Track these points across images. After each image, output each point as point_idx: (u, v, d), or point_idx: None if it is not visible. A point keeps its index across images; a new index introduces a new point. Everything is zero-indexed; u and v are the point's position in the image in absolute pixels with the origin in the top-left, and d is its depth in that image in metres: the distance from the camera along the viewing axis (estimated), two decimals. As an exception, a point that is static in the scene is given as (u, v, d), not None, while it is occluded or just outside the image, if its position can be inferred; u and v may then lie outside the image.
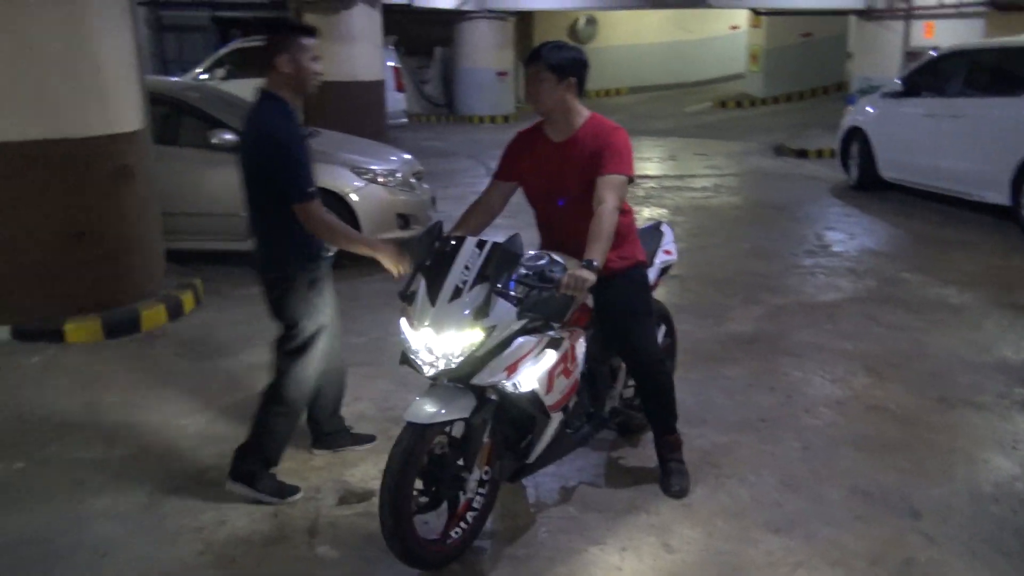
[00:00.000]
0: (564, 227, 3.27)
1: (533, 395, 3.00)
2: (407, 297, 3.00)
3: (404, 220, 6.84)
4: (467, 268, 2.87)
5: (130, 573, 3.03)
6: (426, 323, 2.85)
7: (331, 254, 3.49)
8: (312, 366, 3.43)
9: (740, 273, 6.72)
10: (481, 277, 2.85)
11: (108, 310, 5.34)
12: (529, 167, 3.32)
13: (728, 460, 3.78)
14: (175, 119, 6.83)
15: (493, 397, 2.97)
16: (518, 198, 3.45)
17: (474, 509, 3.08)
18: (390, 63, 14.10)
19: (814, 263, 7.04)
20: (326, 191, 6.55)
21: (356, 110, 11.95)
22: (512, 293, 2.86)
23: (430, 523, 3.04)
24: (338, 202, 6.54)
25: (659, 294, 4.08)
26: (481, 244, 2.92)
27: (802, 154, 13.16)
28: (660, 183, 10.77)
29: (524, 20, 21.86)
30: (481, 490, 3.09)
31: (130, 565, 3.06)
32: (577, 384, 3.24)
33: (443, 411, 2.83)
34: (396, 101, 14.83)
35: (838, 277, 6.62)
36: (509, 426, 3.11)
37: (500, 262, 2.83)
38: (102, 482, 3.60)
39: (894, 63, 14.10)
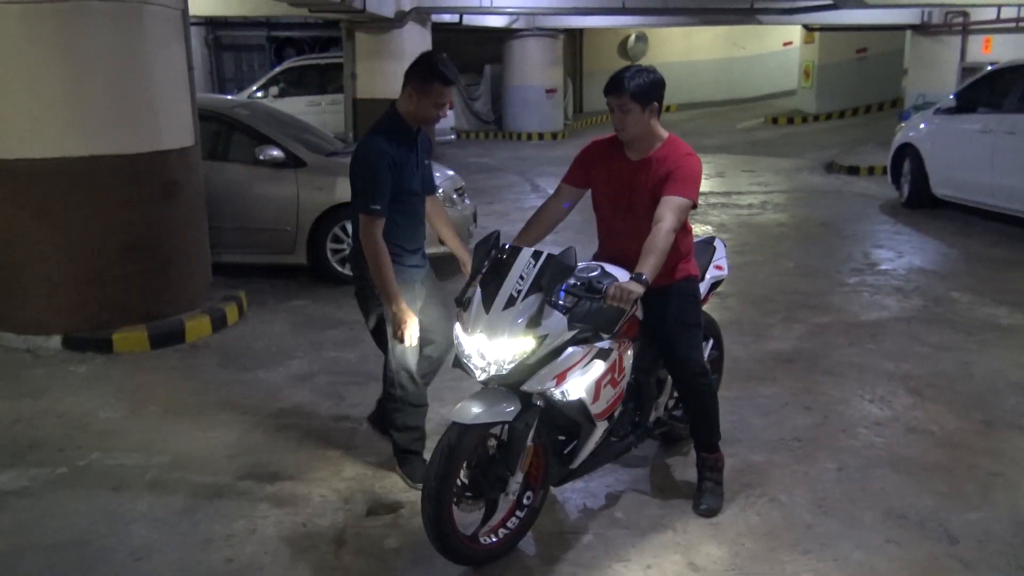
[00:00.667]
0: (626, 240, 3.32)
1: (580, 403, 3.08)
2: (462, 303, 3.09)
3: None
4: (522, 278, 2.96)
5: (162, 577, 3.11)
6: (480, 329, 2.94)
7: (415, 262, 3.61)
8: (398, 360, 3.56)
9: (782, 291, 6.63)
10: (535, 287, 2.93)
11: (154, 321, 5.49)
12: (602, 177, 3.41)
13: (760, 480, 3.73)
14: (225, 135, 7.02)
15: (539, 403, 3.04)
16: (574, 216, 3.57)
17: (516, 517, 3.16)
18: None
19: (859, 281, 6.91)
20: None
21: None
22: (561, 302, 2.95)
23: (468, 518, 3.11)
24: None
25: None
26: (537, 255, 3.01)
27: (853, 171, 12.94)
28: (706, 200, 10.67)
29: (573, 37, 21.96)
30: (519, 512, 3.16)
31: (163, 569, 3.14)
32: (623, 394, 3.31)
33: (486, 413, 2.92)
34: (445, 118, 14.98)
35: (884, 296, 6.49)
36: (554, 432, 3.19)
37: (554, 273, 2.91)
38: (140, 488, 3.70)
39: (950, 79, 13.81)
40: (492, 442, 3.09)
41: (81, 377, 4.99)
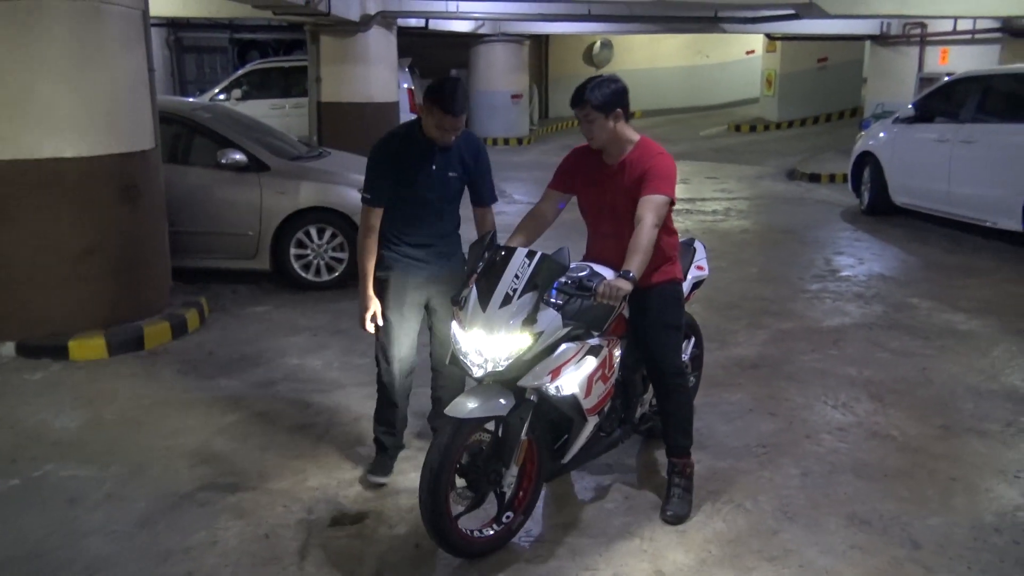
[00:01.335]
0: (612, 242, 3.44)
1: (573, 399, 3.16)
2: (458, 302, 3.19)
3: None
4: (517, 277, 3.05)
5: (119, 591, 3.03)
6: (477, 326, 3.03)
7: (389, 268, 3.64)
8: (383, 363, 3.71)
9: (746, 297, 6.69)
10: (530, 286, 3.03)
11: (113, 327, 5.38)
12: (584, 183, 3.54)
13: (726, 486, 3.74)
14: (186, 138, 6.91)
15: (532, 398, 3.12)
16: (566, 216, 3.62)
17: (509, 516, 3.22)
18: (405, 85, 14.21)
19: (821, 288, 6.99)
20: (331, 210, 6.62)
21: (370, 131, 12.02)
22: (553, 300, 3.09)
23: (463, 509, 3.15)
24: (343, 221, 6.59)
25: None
26: (531, 255, 3.11)
27: (815, 178, 13.11)
28: (671, 206, 10.70)
29: (539, 43, 22.01)
30: (513, 510, 3.24)
31: (119, 583, 3.06)
32: (613, 390, 3.40)
33: (481, 408, 3.01)
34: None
35: (845, 302, 6.57)
36: (547, 427, 3.26)
37: (548, 272, 3.03)
38: (96, 500, 3.61)
39: (909, 88, 14.03)
40: (484, 436, 3.16)
41: (36, 385, 4.86)
